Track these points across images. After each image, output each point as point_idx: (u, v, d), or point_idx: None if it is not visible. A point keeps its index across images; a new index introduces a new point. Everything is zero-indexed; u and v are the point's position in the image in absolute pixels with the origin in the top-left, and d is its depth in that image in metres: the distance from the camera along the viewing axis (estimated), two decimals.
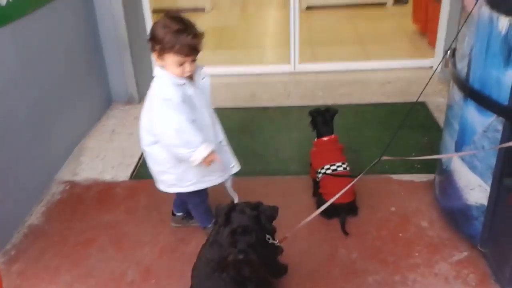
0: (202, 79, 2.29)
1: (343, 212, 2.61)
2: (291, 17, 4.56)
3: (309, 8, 6.59)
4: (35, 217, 2.86)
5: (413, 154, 3.19)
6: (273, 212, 1.97)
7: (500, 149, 2.04)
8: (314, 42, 5.46)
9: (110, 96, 4.22)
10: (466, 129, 2.24)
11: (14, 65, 2.81)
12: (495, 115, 2.03)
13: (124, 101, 4.22)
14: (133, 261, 2.50)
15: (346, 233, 2.56)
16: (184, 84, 2.18)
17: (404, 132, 3.44)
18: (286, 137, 3.57)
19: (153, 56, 2.16)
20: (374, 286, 2.25)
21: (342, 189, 2.58)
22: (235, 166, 2.49)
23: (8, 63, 2.76)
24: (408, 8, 6.10)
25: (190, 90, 2.20)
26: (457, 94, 2.30)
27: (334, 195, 2.56)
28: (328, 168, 2.68)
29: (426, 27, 5.21)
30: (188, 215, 2.70)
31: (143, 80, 4.30)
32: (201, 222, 2.62)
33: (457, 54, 2.35)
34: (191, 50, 2.10)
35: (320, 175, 2.71)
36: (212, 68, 4.63)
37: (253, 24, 6.81)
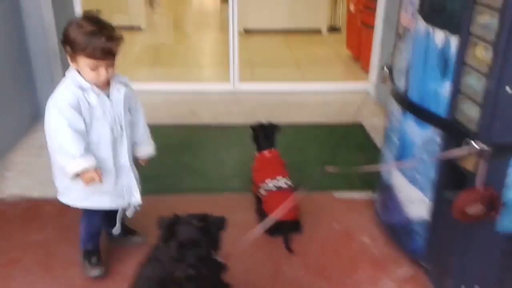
0: (117, 91, 2.12)
1: (286, 229, 2.57)
2: (230, 38, 4.58)
3: (246, 31, 6.66)
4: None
5: (353, 175, 3.23)
6: (222, 223, 1.88)
7: (439, 161, 2.10)
8: (253, 63, 5.50)
9: (39, 109, 3.96)
10: (405, 143, 2.30)
11: None
12: (433, 128, 2.09)
13: None
14: (63, 283, 2.30)
15: (290, 250, 2.52)
16: (87, 89, 2.01)
17: (343, 151, 3.53)
18: (227, 155, 3.51)
19: (71, 57, 2.00)
20: None
21: (286, 205, 2.58)
22: (135, 197, 2.26)
23: None
24: (342, 35, 6.35)
25: (93, 97, 2.03)
26: (396, 109, 2.37)
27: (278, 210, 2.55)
28: (271, 185, 2.64)
29: (359, 53, 5.41)
30: (125, 232, 2.50)
31: None
32: (81, 240, 2.36)
33: (395, 69, 2.42)
34: (105, 53, 1.96)
35: (263, 191, 2.66)
36: (150, 85, 4.57)
37: (190, 44, 6.80)
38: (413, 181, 2.27)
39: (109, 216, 2.33)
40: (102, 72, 2.00)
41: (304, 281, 2.34)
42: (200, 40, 6.91)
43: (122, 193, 2.23)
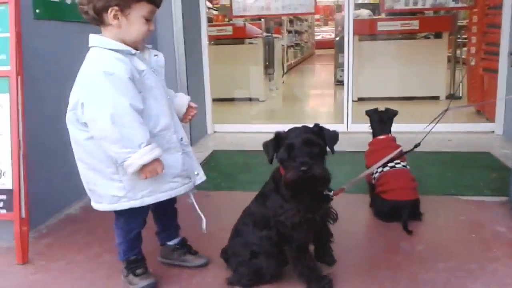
0: (155, 56, 1.81)
1: (405, 211, 2.32)
2: (344, 105, 4.68)
3: (360, 99, 6.70)
4: (73, 209, 2.73)
5: (482, 185, 2.90)
6: (336, 134, 1.75)
7: None
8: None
9: None
10: None
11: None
12: None
13: None
14: None
15: (409, 231, 2.25)
16: (135, 54, 1.68)
17: (471, 171, 3.22)
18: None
19: (109, 17, 1.64)
20: (446, 272, 1.90)
21: (404, 184, 2.38)
22: (199, 174, 1.89)
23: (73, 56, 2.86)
24: (463, 101, 6.09)
25: (140, 63, 1.69)
26: None
27: (394, 192, 2.35)
28: (385, 165, 2.45)
29: (483, 107, 5.13)
30: (182, 245, 2.07)
31: (196, 124, 4.37)
32: (120, 252, 1.90)
33: None
34: None
35: (376, 174, 2.47)
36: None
37: (304, 109, 6.96)
38: None
39: (158, 215, 2.02)
40: (152, 26, 1.72)
41: (426, 254, 2.06)
42: (312, 107, 7.09)
43: (188, 171, 1.83)
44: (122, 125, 1.57)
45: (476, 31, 5.34)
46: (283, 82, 9.06)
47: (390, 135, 2.60)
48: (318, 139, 1.67)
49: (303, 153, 1.61)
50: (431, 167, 3.31)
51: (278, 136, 1.72)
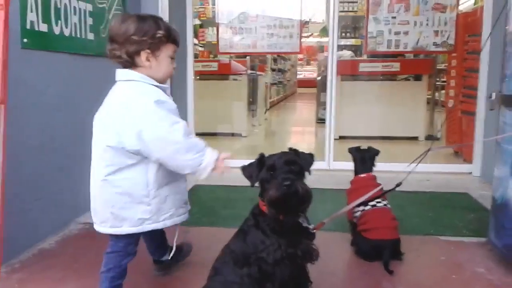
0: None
1: (386, 250, 2.32)
2: (326, 142, 4.76)
3: (342, 137, 6.79)
4: (48, 243, 2.66)
5: (461, 226, 2.93)
6: (312, 157, 1.80)
7: None
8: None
9: None
10: None
11: (65, 94, 2.92)
12: None
13: None
14: (147, 278, 2.21)
15: (390, 271, 2.24)
16: (163, 88, 1.89)
17: (449, 211, 3.25)
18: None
19: (142, 57, 1.83)
20: None
21: (385, 223, 2.39)
22: (188, 203, 2.06)
23: (59, 89, 2.86)
24: (441, 142, 6.19)
25: (168, 98, 1.88)
26: (509, 115, 2.22)
27: (376, 231, 2.37)
28: (367, 204, 2.46)
29: (461, 148, 5.23)
30: (176, 257, 2.25)
31: None
32: (106, 280, 1.91)
33: (504, 77, 2.32)
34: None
35: (358, 213, 2.48)
36: None
37: (286, 146, 6.99)
38: None
39: (156, 237, 2.20)
40: (174, 64, 1.95)
41: None
42: (293, 143, 7.13)
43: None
44: (188, 137, 1.79)
45: (455, 74, 5.51)
46: (266, 119, 9.15)
47: (371, 173, 2.62)
48: (298, 159, 1.71)
49: (285, 171, 1.63)
50: (410, 207, 3.33)
51: (262, 157, 1.74)
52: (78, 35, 2.99)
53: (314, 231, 1.80)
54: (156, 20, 1.87)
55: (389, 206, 2.49)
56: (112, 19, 2.61)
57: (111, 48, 1.86)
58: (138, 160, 1.81)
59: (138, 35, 1.81)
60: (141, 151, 1.78)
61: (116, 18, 1.89)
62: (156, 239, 2.22)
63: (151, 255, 2.28)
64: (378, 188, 2.39)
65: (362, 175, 2.62)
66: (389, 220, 2.42)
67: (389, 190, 2.44)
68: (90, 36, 3.13)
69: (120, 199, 1.83)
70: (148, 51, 1.84)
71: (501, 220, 2.26)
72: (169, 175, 1.87)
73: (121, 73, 1.88)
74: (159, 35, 1.84)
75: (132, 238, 1.93)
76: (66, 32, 2.84)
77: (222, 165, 1.84)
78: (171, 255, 2.15)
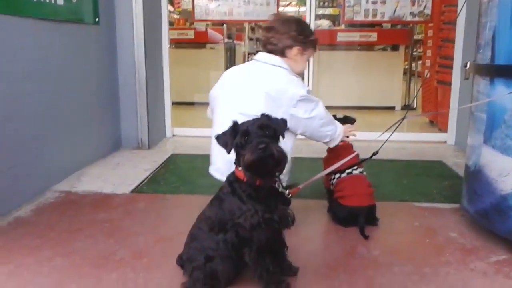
0: None
1: (362, 216, 2.35)
2: None
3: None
4: (23, 212, 2.61)
5: (435, 193, 2.99)
6: (283, 120, 1.82)
7: None
8: None
9: (120, 141, 4.15)
10: (495, 113, 2.13)
11: (34, 62, 2.83)
12: None
13: (134, 146, 4.14)
14: (124, 245, 2.21)
15: (366, 236, 2.28)
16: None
17: (424, 179, 3.31)
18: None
19: (294, 51, 2.34)
20: (401, 275, 1.93)
21: (361, 190, 2.41)
22: None
23: (28, 56, 2.77)
24: (417, 111, 6.27)
25: None
26: (483, 84, 2.24)
27: (351, 198, 2.39)
28: (343, 172, 2.49)
29: (436, 117, 5.31)
30: None
31: (155, 126, 4.31)
32: None
33: (478, 47, 2.33)
34: None
35: (334, 180, 2.50)
36: None
37: None
38: (505, 150, 2.07)
39: None
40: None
41: (382, 258, 2.08)
42: None
43: None
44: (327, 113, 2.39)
45: (431, 44, 5.54)
46: None
47: (347, 142, 2.63)
48: (271, 123, 1.72)
49: (259, 135, 1.64)
50: (386, 175, 3.38)
51: (235, 124, 1.73)
52: (47, 0, 2.88)
53: (290, 196, 1.81)
54: (307, 28, 2.45)
55: (364, 173, 2.52)
56: None
57: (270, 36, 2.35)
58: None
59: (301, 31, 2.36)
60: (290, 128, 2.22)
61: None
62: None
63: None
64: (354, 155, 2.41)
65: (340, 143, 2.62)
66: (365, 187, 2.44)
67: (366, 159, 2.46)
68: (60, 1, 3.02)
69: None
70: (300, 48, 2.36)
71: (473, 187, 2.31)
72: None
73: (269, 57, 2.33)
74: (312, 39, 2.41)
75: None
76: None
77: (348, 132, 2.53)
78: None
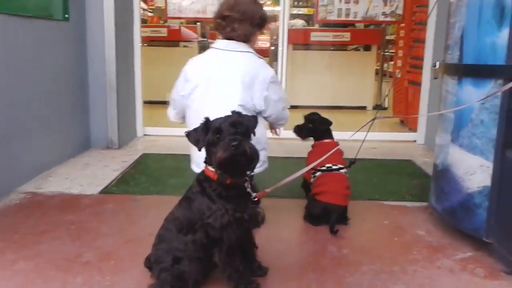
0: None
1: (334, 214, 2.36)
2: None
3: (293, 107, 6.81)
4: None
5: (404, 191, 3.03)
6: (254, 117, 1.85)
7: (501, 118, 1.96)
8: None
9: (89, 140, 4.06)
10: (462, 113, 2.16)
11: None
12: (493, 81, 1.99)
13: (103, 146, 4.07)
14: (91, 247, 2.16)
15: (334, 231, 2.29)
16: None
17: (394, 177, 3.35)
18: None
19: (256, 35, 2.43)
20: (370, 274, 1.95)
21: (338, 189, 2.41)
22: None
23: None
24: (388, 112, 6.34)
25: None
26: (451, 84, 2.27)
27: (328, 195, 2.39)
28: (323, 167, 2.48)
29: (407, 114, 5.39)
30: None
31: (125, 126, 4.24)
32: None
33: (447, 47, 2.37)
34: None
35: (317, 173, 2.49)
36: None
37: None
38: (472, 149, 2.10)
39: None
40: None
41: (352, 257, 2.09)
42: None
43: None
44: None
45: (402, 45, 5.61)
46: None
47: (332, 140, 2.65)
48: (243, 120, 1.70)
49: (231, 132, 1.62)
50: (356, 174, 3.35)
51: (207, 121, 1.71)
52: None
53: (256, 199, 1.79)
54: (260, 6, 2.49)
55: (347, 175, 2.52)
56: None
57: (236, 28, 2.35)
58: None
59: (261, 16, 2.41)
60: (263, 110, 2.33)
61: None
62: None
63: None
64: (336, 149, 2.37)
65: (326, 141, 2.64)
66: (343, 187, 2.44)
67: (345, 167, 2.48)
68: None
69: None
70: (258, 32, 2.44)
71: (441, 185, 2.34)
72: None
73: (234, 45, 2.34)
74: (267, 20, 2.46)
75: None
76: None
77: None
78: None
